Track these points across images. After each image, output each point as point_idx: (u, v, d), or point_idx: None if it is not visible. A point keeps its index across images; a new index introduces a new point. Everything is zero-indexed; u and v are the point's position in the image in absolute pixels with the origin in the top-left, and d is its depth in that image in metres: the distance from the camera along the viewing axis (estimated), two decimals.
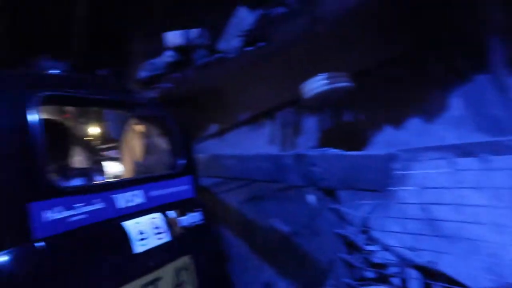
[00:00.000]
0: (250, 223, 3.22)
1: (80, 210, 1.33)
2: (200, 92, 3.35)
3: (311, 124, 3.06)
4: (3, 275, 1.11)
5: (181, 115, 3.56)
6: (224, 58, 2.65)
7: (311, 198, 2.20)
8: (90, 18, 3.97)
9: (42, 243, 1.19)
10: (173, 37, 2.90)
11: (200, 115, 3.53)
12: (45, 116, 1.46)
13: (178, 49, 2.91)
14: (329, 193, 1.81)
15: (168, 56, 3.00)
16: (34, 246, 1.18)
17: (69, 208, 1.30)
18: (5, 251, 1.12)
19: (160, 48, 3.28)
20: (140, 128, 4.56)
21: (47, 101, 1.42)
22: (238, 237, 3.42)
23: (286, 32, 2.39)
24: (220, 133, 3.46)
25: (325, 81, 2.60)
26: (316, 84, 2.62)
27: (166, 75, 3.08)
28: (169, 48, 2.98)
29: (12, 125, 1.27)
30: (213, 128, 3.51)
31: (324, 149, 1.82)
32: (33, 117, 1.28)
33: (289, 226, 2.93)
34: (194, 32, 2.82)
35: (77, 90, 1.63)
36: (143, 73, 3.26)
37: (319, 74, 2.59)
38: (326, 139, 2.95)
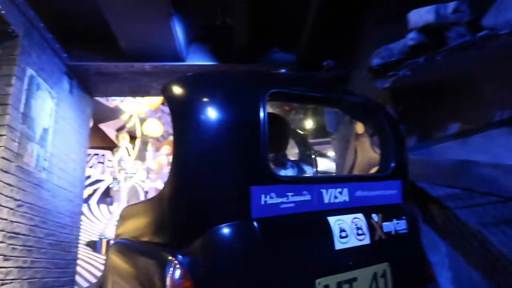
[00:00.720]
0: (495, 254, 2.49)
1: (291, 199, 1.44)
2: (445, 81, 2.76)
3: None
4: (225, 242, 1.31)
5: (413, 109, 3.08)
6: (491, 37, 2.04)
7: None
8: (323, 8, 3.84)
9: (257, 223, 1.34)
10: (420, 15, 2.43)
11: (439, 110, 2.95)
12: (269, 109, 1.59)
13: (424, 29, 2.43)
14: None
15: (410, 39, 2.56)
16: (251, 223, 1.33)
17: (282, 195, 1.42)
18: (230, 223, 1.31)
19: (398, 31, 2.85)
20: (354, 127, 4.26)
21: (272, 97, 1.58)
22: (474, 268, 2.72)
23: None
24: (463, 134, 2.81)
25: None
26: None
27: (405, 61, 2.63)
28: (412, 29, 2.53)
29: (247, 118, 1.45)
30: (454, 127, 2.87)
31: None
32: (262, 111, 1.44)
33: None
34: (449, 6, 2.28)
35: (297, 88, 1.75)
36: (375, 61, 2.91)
37: None
38: None
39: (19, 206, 3.58)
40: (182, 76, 1.67)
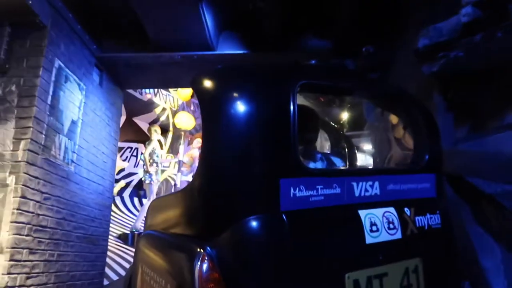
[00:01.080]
0: None
1: (321, 192, 1.42)
2: (503, 63, 2.42)
3: None
4: (253, 234, 1.31)
5: (465, 95, 2.74)
6: None
7: None
8: None
9: (286, 215, 1.34)
10: None
11: (496, 95, 2.60)
12: (300, 102, 1.59)
13: (481, 3, 2.11)
14: None
15: (464, 15, 2.24)
16: (280, 216, 1.33)
17: (311, 188, 1.40)
18: (258, 216, 1.32)
19: (447, 9, 2.53)
20: (388, 118, 3.94)
21: (302, 89, 1.57)
22: None
23: None
24: None
25: None
26: None
27: (457, 40, 2.31)
28: (466, 4, 2.21)
29: (277, 111, 1.44)
30: None
31: None
32: (292, 104, 1.44)
33: None
34: None
35: (328, 79, 1.74)
36: (422, 42, 2.61)
37: None
38: None
39: (46, 199, 3.53)
40: (211, 69, 1.67)
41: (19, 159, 3.24)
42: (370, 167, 4.10)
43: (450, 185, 2.79)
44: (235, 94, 1.44)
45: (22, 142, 3.27)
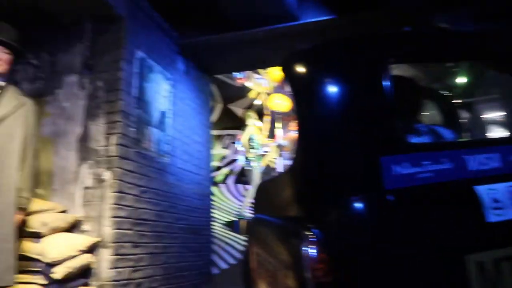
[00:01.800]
0: None
1: (428, 168, 1.36)
2: None
3: None
4: (358, 213, 1.34)
5: None
6: None
7: None
8: None
9: (391, 194, 1.31)
10: None
11: None
12: (396, 73, 1.58)
13: None
14: None
15: None
16: (384, 194, 1.31)
17: (416, 164, 1.35)
18: (362, 195, 1.33)
19: None
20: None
21: (397, 61, 1.61)
22: None
23: None
24: None
25: None
26: None
27: None
28: None
29: (371, 88, 1.43)
30: None
31: None
32: (385, 78, 1.42)
33: None
34: None
35: (426, 46, 1.62)
36: None
37: None
38: None
39: (143, 192, 3.52)
40: (300, 50, 1.66)
41: (112, 154, 3.24)
42: (487, 137, 3.76)
43: None
44: (327, 75, 1.45)
45: (113, 137, 3.27)
